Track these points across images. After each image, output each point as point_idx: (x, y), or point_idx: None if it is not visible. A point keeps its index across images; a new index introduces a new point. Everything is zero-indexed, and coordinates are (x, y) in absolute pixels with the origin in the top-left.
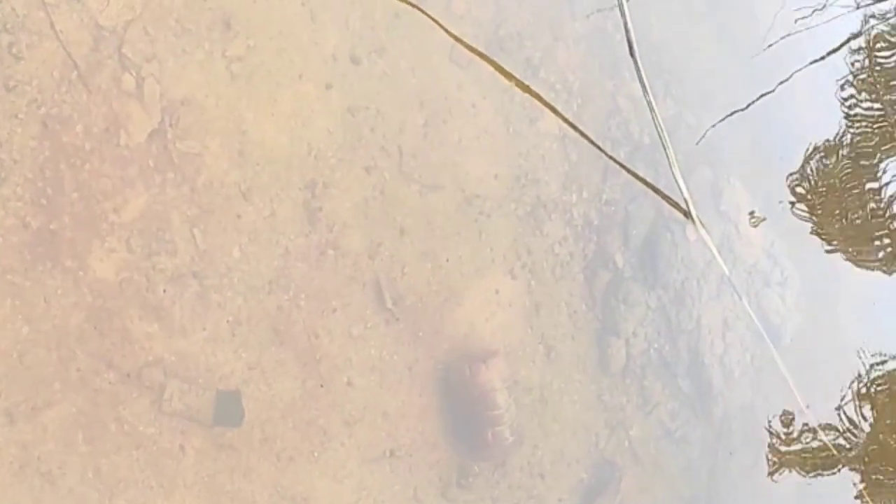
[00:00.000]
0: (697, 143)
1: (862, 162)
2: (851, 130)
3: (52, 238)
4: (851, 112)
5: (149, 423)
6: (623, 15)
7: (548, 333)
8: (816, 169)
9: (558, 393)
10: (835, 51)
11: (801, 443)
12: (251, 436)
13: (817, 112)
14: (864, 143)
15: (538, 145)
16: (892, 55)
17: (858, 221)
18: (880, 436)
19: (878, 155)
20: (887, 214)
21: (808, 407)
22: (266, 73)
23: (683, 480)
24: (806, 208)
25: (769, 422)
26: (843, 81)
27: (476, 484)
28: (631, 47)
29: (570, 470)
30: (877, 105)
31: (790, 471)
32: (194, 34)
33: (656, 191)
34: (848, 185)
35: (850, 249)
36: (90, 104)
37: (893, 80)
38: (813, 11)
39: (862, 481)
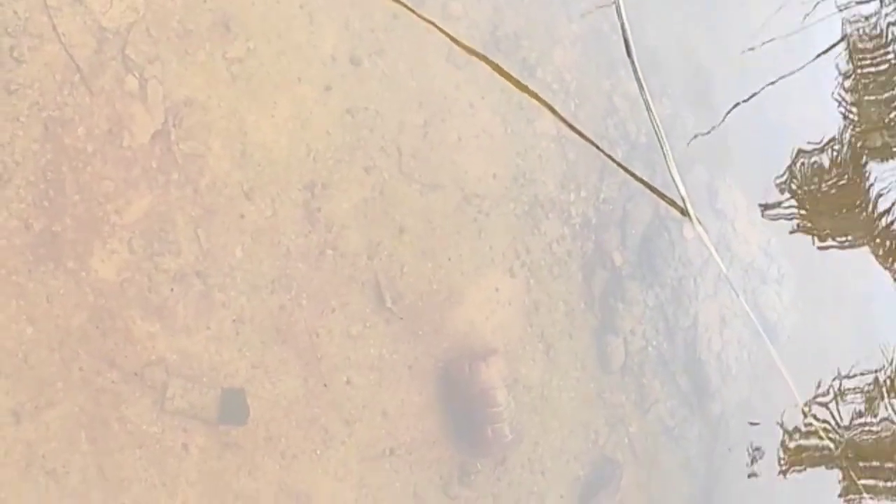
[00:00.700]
0: (690, 143)
1: (853, 160)
2: (845, 129)
3: (54, 239)
4: (843, 111)
5: (151, 421)
6: (620, 15)
7: (547, 331)
8: (809, 167)
9: (557, 390)
10: (827, 51)
11: (797, 439)
12: (256, 434)
13: (811, 111)
14: (856, 142)
15: (536, 145)
16: (878, 56)
17: (850, 218)
18: (874, 431)
19: (868, 154)
20: (877, 212)
21: (804, 403)
22: (265, 74)
23: (682, 477)
24: (797, 204)
25: (763, 420)
26: (836, 80)
27: (477, 481)
28: (628, 47)
29: (569, 467)
30: (867, 100)
31: (787, 467)
32: (196, 35)
33: (653, 189)
34: (840, 183)
35: (841, 239)
36: (93, 106)
37: (881, 79)
38: (805, 16)
39: (858, 477)
